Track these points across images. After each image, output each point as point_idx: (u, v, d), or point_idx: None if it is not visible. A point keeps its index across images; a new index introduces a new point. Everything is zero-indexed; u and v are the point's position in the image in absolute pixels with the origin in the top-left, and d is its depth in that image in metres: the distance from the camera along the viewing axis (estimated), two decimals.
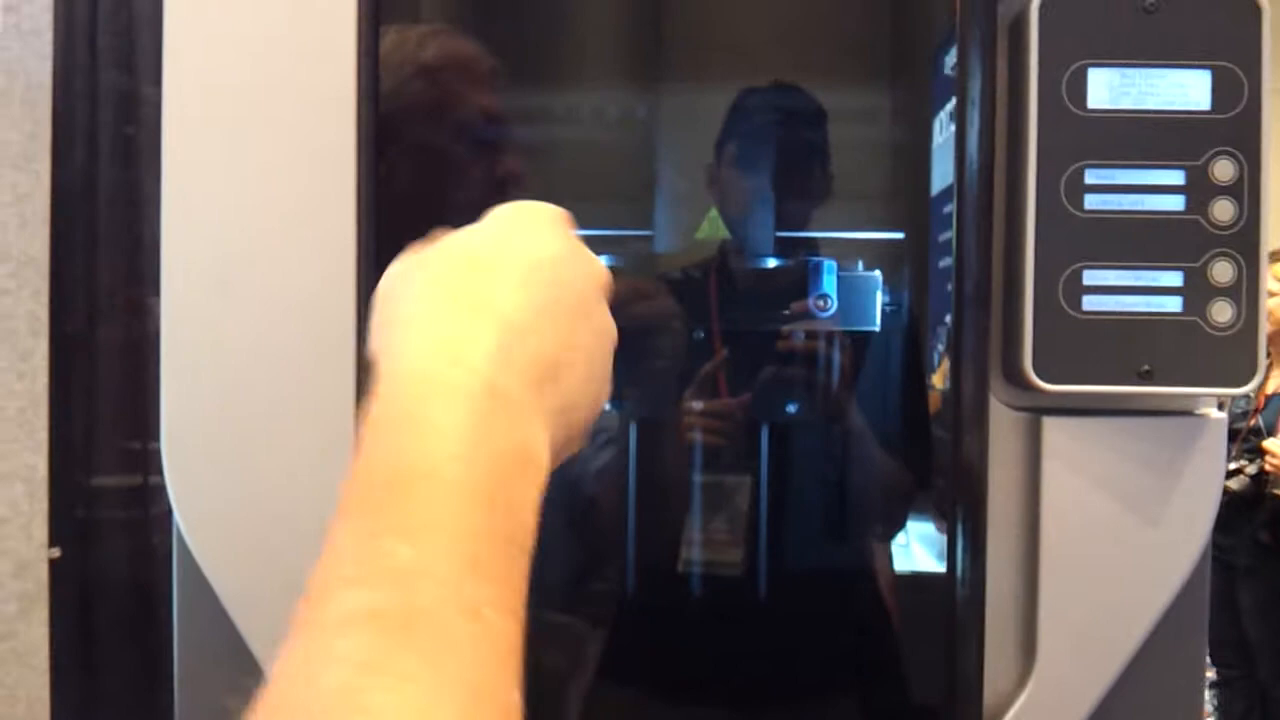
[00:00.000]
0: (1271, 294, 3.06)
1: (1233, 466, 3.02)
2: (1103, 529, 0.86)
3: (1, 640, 2.06)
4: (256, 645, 0.89)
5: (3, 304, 2.06)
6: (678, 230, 1.13)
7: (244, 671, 0.89)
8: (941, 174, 0.98)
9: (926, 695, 1.00)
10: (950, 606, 0.90)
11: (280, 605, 0.89)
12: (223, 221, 0.88)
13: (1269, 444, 3.01)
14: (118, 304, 2.20)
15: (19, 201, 2.09)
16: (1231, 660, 3.26)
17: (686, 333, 1.08)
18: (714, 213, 1.10)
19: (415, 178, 1.00)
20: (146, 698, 2.00)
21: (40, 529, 2.13)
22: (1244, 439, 3.07)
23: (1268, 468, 2.99)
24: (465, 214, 1.05)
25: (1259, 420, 3.10)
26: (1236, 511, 3.01)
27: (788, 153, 1.10)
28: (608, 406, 1.12)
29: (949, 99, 0.93)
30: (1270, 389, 3.11)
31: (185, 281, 0.88)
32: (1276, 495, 3.00)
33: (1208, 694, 3.28)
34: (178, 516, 0.89)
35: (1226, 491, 2.98)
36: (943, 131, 0.98)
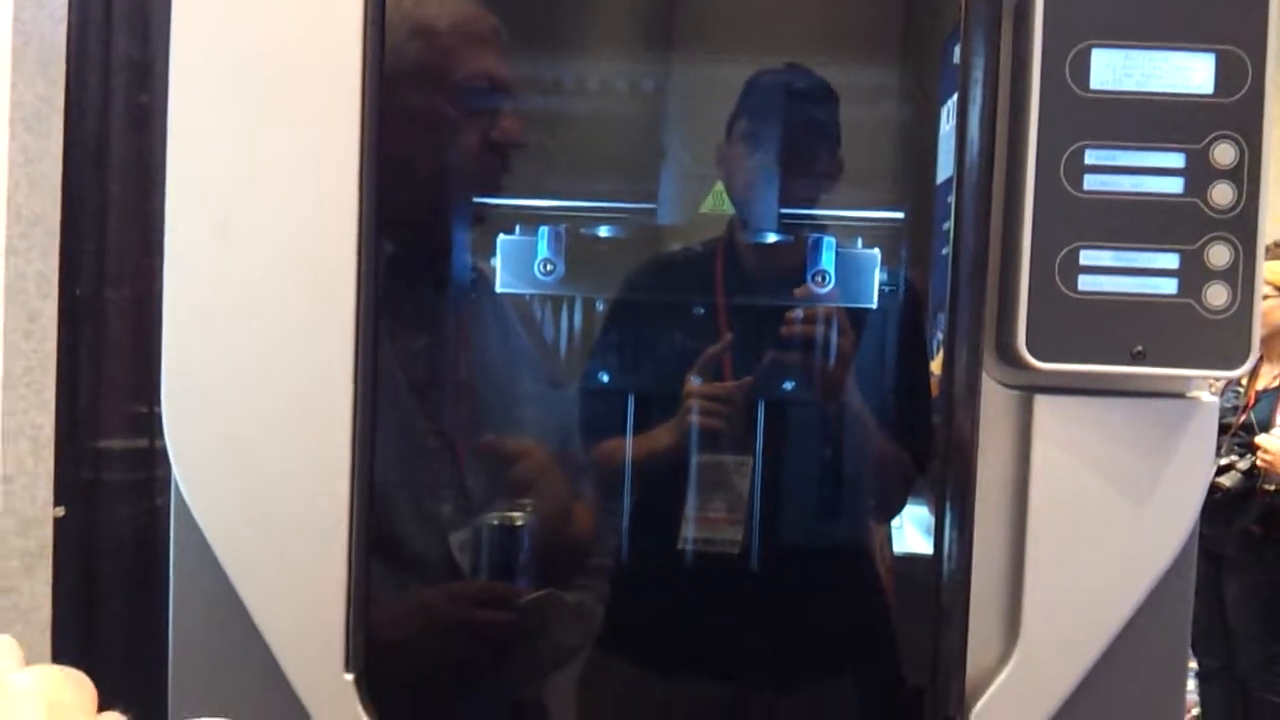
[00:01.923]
0: (1266, 296, 3.04)
1: (1224, 462, 3.02)
2: (1091, 509, 0.86)
3: (3, 596, 2.08)
4: (251, 601, 0.90)
5: (12, 264, 2.07)
6: (682, 203, 1.13)
7: (238, 628, 0.91)
8: (947, 163, 0.98)
9: (911, 670, 1.00)
10: (936, 583, 0.90)
11: (275, 564, 0.90)
12: (225, 185, 0.88)
13: (1262, 440, 3.01)
14: (127, 268, 2.21)
15: (29, 163, 2.10)
16: (1215, 652, 3.26)
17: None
18: (719, 186, 1.10)
19: (412, 139, 1.00)
20: (146, 655, 2.02)
21: (45, 488, 2.14)
22: (1234, 434, 3.07)
23: (1260, 464, 2.99)
24: (461, 175, 1.06)
25: (1249, 416, 3.09)
26: (1228, 504, 3.01)
27: (799, 133, 1.10)
28: (605, 378, 1.13)
29: (956, 88, 0.93)
30: (1260, 384, 3.11)
31: (187, 246, 0.89)
32: (1268, 490, 3.00)
33: (1191, 684, 3.29)
34: (176, 472, 0.90)
35: (1220, 488, 2.99)
36: (949, 120, 0.98)
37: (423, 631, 1.01)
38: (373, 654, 0.90)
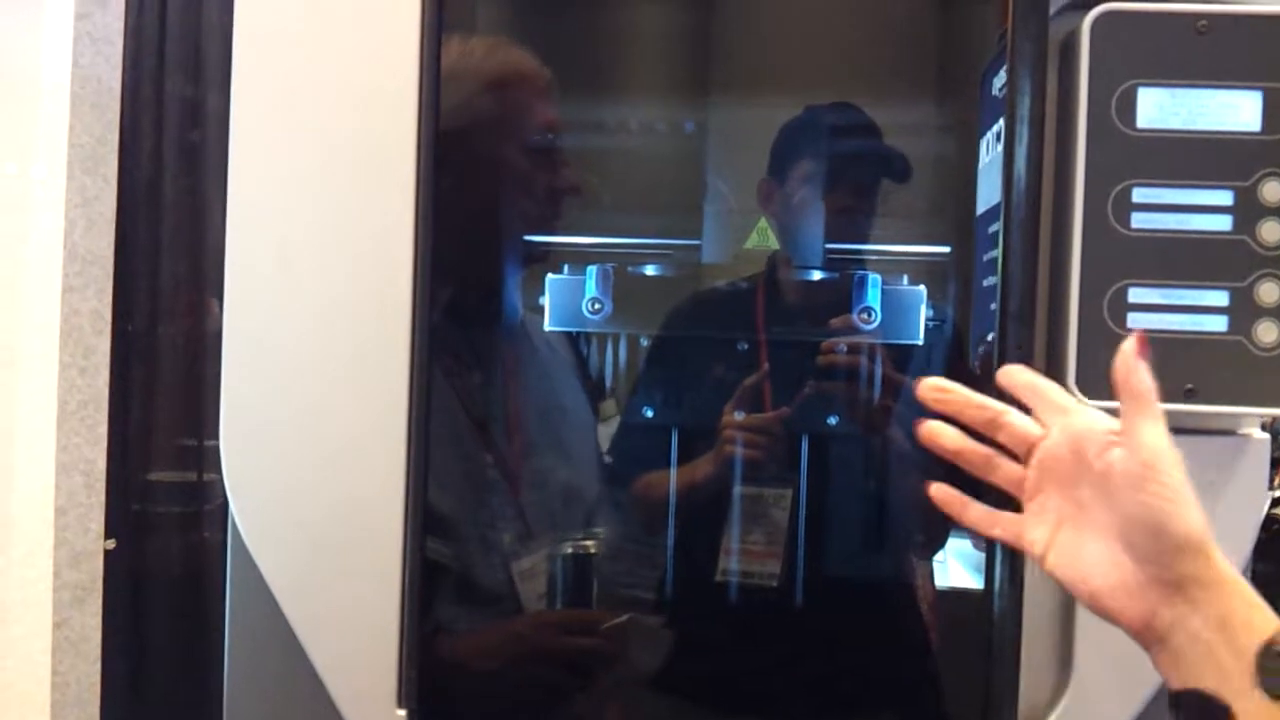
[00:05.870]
0: None
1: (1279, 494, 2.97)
2: None
3: (56, 628, 2.11)
4: (305, 636, 0.91)
5: (68, 301, 2.12)
6: (726, 240, 1.14)
7: (292, 662, 0.92)
8: (986, 194, 0.99)
9: (960, 709, 1.00)
10: (988, 621, 0.90)
11: (329, 599, 0.91)
12: (284, 227, 0.91)
13: None
14: (179, 305, 2.26)
15: (86, 203, 2.15)
16: None
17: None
18: (763, 223, 1.11)
19: (478, 188, 1.03)
20: (194, 687, 2.04)
21: (97, 521, 2.18)
22: None
23: None
24: (525, 222, 1.08)
25: None
26: None
27: (844, 170, 1.11)
28: (649, 413, 1.14)
29: (996, 120, 0.94)
30: None
31: (246, 286, 0.91)
32: None
33: None
34: (233, 506, 0.92)
35: (1279, 521, 2.93)
36: (989, 152, 0.99)
37: (511, 660, 1.02)
38: (439, 684, 0.91)
